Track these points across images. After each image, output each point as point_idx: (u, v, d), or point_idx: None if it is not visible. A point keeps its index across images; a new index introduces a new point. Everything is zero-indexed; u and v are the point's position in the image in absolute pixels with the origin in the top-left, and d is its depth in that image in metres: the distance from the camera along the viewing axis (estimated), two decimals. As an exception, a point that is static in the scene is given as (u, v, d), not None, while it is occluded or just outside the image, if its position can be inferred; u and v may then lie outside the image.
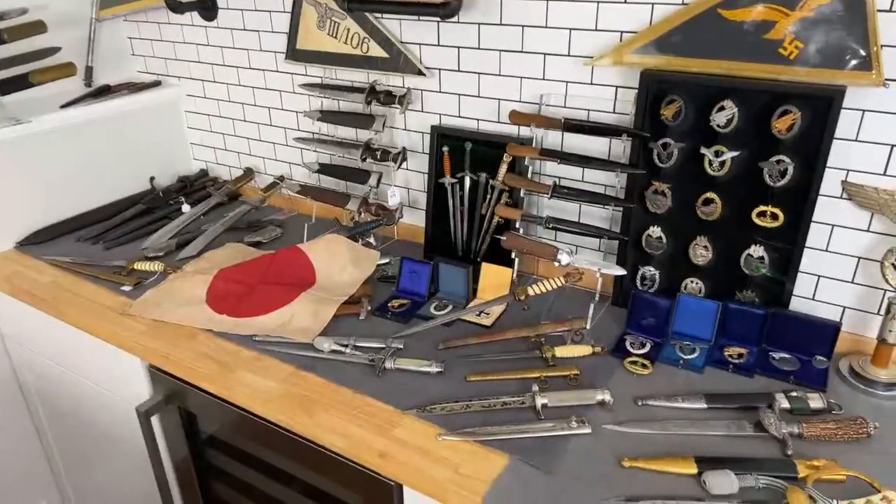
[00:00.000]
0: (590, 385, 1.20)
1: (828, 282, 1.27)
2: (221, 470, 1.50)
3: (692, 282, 1.37)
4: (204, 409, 1.37)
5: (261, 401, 1.20)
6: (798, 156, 1.18)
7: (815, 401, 1.13)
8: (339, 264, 1.57)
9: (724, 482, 0.96)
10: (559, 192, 1.41)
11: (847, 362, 1.24)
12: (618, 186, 1.39)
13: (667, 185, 1.32)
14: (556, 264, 1.41)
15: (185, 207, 1.96)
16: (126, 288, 1.57)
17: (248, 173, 2.07)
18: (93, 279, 1.61)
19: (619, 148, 1.38)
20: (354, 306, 1.46)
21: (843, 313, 1.28)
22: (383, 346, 1.32)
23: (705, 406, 1.14)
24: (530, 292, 1.35)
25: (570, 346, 1.30)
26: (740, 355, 1.27)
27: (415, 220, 1.76)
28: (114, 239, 1.80)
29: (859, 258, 1.23)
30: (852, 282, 1.25)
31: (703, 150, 1.26)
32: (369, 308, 1.45)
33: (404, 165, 1.71)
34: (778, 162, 1.20)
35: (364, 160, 1.69)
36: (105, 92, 1.98)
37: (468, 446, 1.07)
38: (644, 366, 1.25)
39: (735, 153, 1.23)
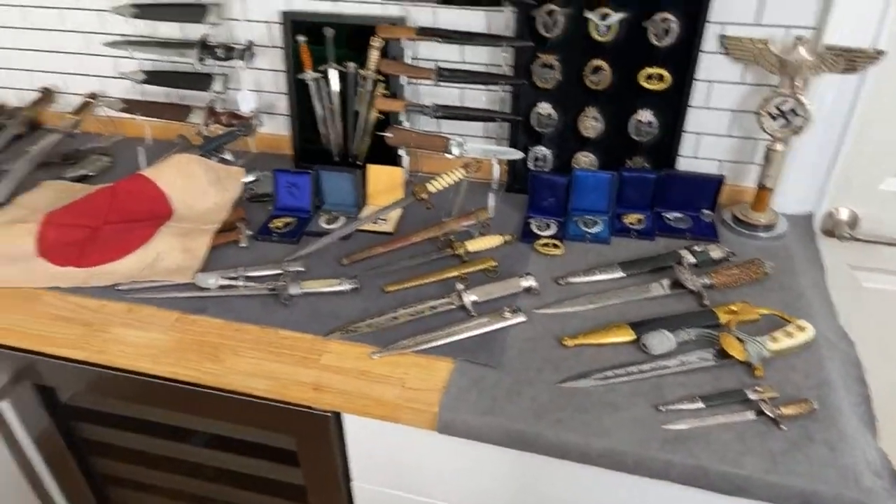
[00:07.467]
0: (510, 275, 1.16)
1: (708, 138, 1.33)
2: (102, 443, 1.29)
3: (584, 155, 1.36)
4: (68, 380, 1.14)
5: (148, 357, 1.01)
6: (680, 12, 1.17)
7: (715, 251, 1.19)
8: (198, 188, 1.35)
9: (663, 341, 0.99)
10: (444, 75, 1.29)
11: (729, 212, 1.32)
12: (503, 65, 1.31)
13: (554, 57, 1.26)
14: (448, 156, 1.32)
15: (-30, 147, 1.56)
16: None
17: (47, 95, 1.67)
18: None
19: (496, 22, 1.28)
20: (230, 234, 1.26)
21: (719, 166, 1.36)
22: (280, 271, 1.17)
23: (622, 274, 1.16)
24: (431, 189, 1.26)
25: (480, 238, 1.25)
26: (639, 221, 1.30)
27: (275, 129, 1.55)
28: None
29: (734, 111, 1.29)
30: (728, 135, 1.32)
31: (588, 14, 1.20)
32: (249, 233, 1.27)
33: (253, 65, 1.47)
34: (662, 20, 1.18)
35: (202, 61, 1.42)
36: None
37: (407, 359, 0.99)
38: (555, 246, 1.23)
39: (621, 15, 1.19)
